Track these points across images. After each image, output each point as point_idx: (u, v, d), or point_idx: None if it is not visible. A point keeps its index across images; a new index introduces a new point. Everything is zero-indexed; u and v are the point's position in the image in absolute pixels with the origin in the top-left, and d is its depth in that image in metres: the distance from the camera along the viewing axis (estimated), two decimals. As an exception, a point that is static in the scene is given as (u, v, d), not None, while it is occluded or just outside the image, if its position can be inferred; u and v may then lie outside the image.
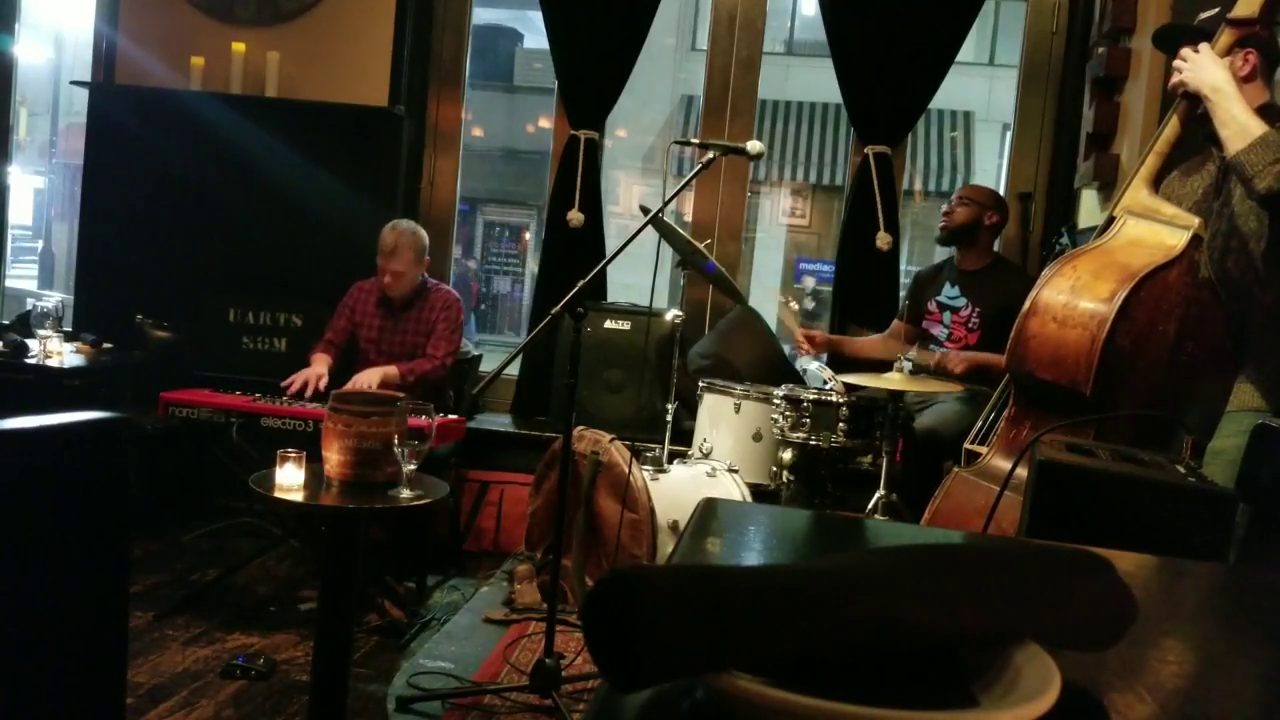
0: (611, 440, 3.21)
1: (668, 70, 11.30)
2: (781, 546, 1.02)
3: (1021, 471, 1.78)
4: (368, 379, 3.37)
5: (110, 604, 1.28)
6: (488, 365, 4.26)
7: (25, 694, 1.17)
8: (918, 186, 11.17)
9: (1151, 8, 3.34)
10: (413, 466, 2.28)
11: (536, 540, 3.41)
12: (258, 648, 2.82)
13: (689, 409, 3.71)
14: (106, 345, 3.94)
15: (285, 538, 3.47)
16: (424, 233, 3.64)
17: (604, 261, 2.83)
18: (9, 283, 5.21)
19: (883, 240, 4.08)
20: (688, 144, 3.06)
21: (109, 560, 1.27)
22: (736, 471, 3.25)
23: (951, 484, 2.60)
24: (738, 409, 3.45)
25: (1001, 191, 3.97)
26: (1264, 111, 2.20)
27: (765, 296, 9.83)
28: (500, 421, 4.26)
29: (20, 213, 10.91)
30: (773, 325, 4.27)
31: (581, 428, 3.27)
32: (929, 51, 4.04)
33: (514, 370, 4.26)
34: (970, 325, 3.59)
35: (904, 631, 0.54)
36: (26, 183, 11.42)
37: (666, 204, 2.74)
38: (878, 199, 4.08)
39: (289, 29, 4.24)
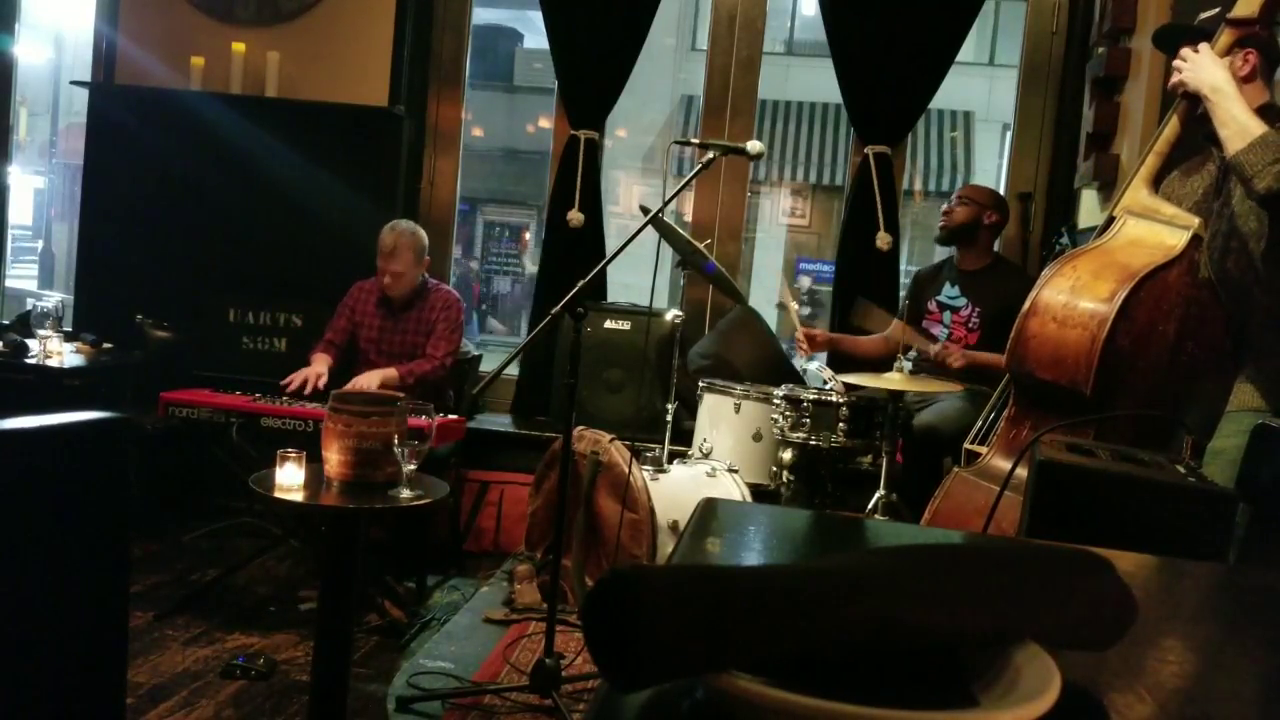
0: (611, 440, 3.21)
1: (668, 70, 11.29)
2: (781, 546, 1.02)
3: (1021, 471, 1.78)
4: (367, 381, 3.36)
5: (110, 604, 1.28)
6: (488, 360, 4.27)
7: (25, 694, 1.17)
8: (918, 186, 11.17)
9: (1151, 8, 3.34)
10: (413, 466, 2.28)
11: (536, 540, 3.41)
12: (258, 648, 2.82)
13: (689, 409, 3.71)
14: (106, 345, 3.94)
15: (285, 538, 3.47)
16: (423, 233, 3.64)
17: (604, 261, 2.83)
18: (9, 283, 5.21)
19: (883, 240, 4.08)
20: (688, 144, 3.06)
21: (109, 560, 1.27)
22: (736, 471, 3.26)
23: (951, 484, 2.60)
24: (738, 409, 3.45)
25: (1001, 191, 3.97)
26: (1264, 111, 2.20)
27: (766, 296, 9.83)
28: (500, 421, 4.26)
29: (20, 213, 10.90)
30: (772, 324, 4.26)
31: (581, 428, 3.27)
32: (929, 51, 4.04)
33: (514, 370, 4.27)
34: (970, 325, 3.59)
35: (904, 631, 0.54)
36: (26, 183, 11.42)
37: (666, 204, 2.74)
38: (878, 199, 4.08)
39: (289, 29, 4.24)
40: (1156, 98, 3.14)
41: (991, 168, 10.92)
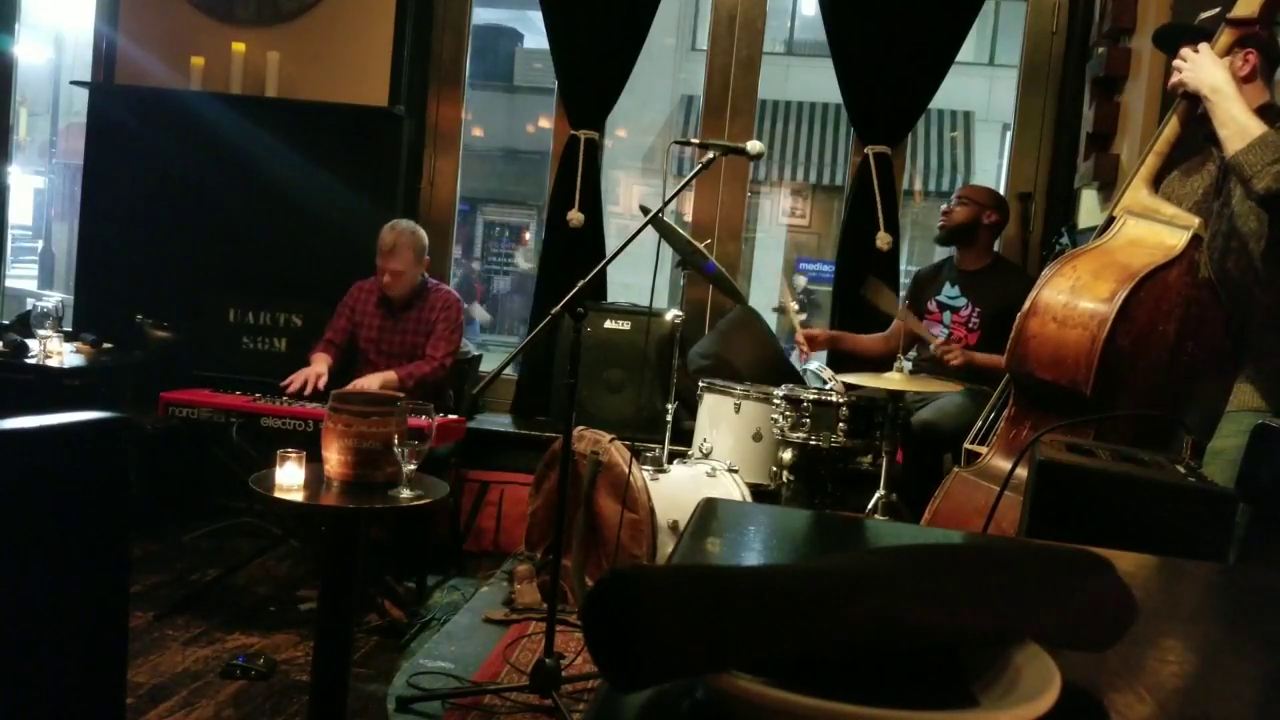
0: (611, 440, 3.21)
1: (668, 70, 11.29)
2: (781, 546, 1.02)
3: (1021, 471, 1.78)
4: (366, 385, 3.36)
5: (110, 604, 1.28)
6: (488, 361, 4.27)
7: (25, 694, 1.17)
8: (918, 186, 11.17)
9: (1151, 8, 3.34)
10: (413, 466, 2.28)
11: (536, 540, 3.41)
12: (258, 648, 2.82)
13: (689, 409, 3.71)
14: (106, 345, 3.94)
15: (285, 538, 3.47)
16: (423, 232, 3.64)
17: (604, 261, 2.83)
18: (9, 283, 5.21)
19: (883, 240, 4.08)
20: (688, 144, 3.06)
21: (109, 560, 1.27)
22: (736, 471, 3.26)
23: (951, 484, 2.60)
24: (738, 409, 3.45)
25: (1002, 191, 3.97)
26: (1264, 111, 2.20)
27: (766, 296, 9.83)
28: (500, 421, 4.26)
29: (20, 213, 10.90)
30: (772, 325, 4.26)
31: (581, 428, 3.27)
32: (929, 51, 4.04)
33: (514, 370, 4.27)
34: (970, 325, 3.59)
35: (904, 631, 0.54)
36: (26, 183, 11.41)
37: (666, 204, 2.74)
38: (878, 199, 4.08)
39: (289, 29, 4.24)
40: (1156, 98, 3.14)
41: (991, 168, 10.92)
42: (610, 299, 4.30)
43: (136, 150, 4.23)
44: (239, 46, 4.17)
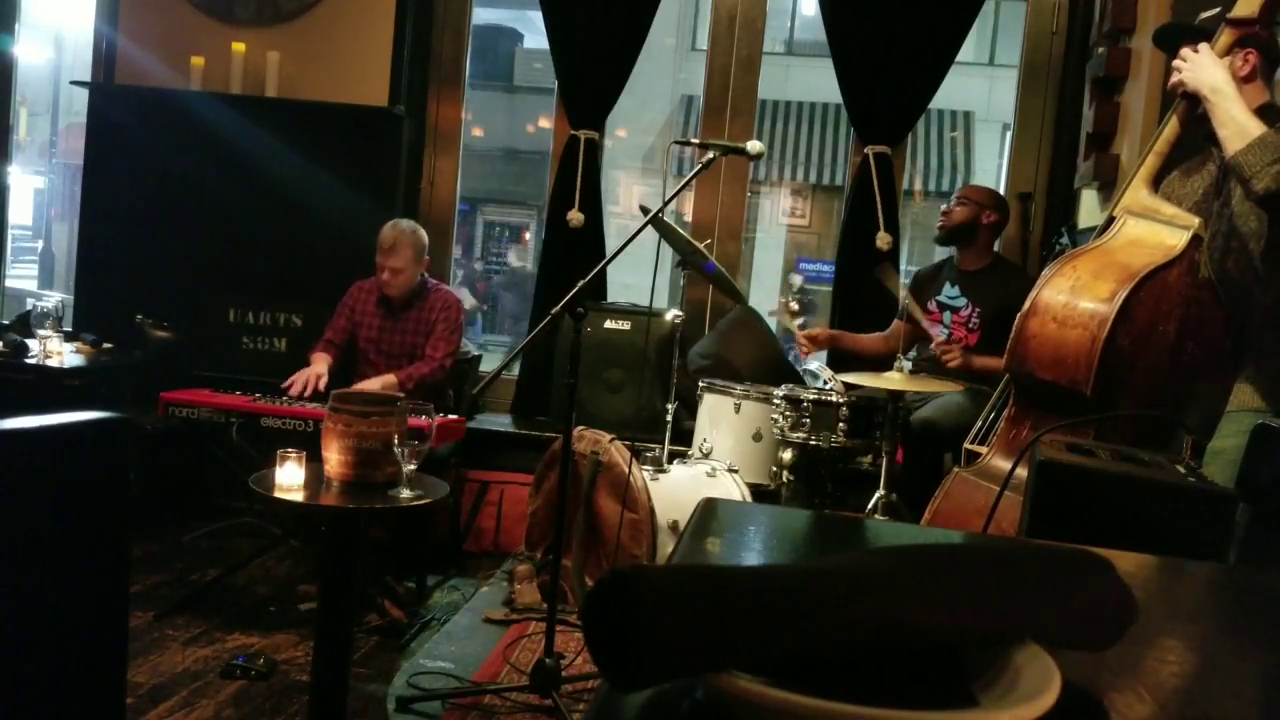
0: (611, 440, 3.21)
1: (668, 70, 11.29)
2: (781, 546, 1.02)
3: (1021, 471, 1.78)
4: (366, 389, 3.36)
5: (110, 604, 1.28)
6: (486, 360, 4.27)
7: (25, 694, 1.17)
8: (918, 186, 11.17)
9: (1151, 8, 3.34)
10: (413, 466, 2.28)
11: (536, 540, 3.41)
12: (258, 648, 2.82)
13: (689, 409, 3.71)
14: (106, 345, 3.94)
15: (285, 538, 3.47)
16: (423, 232, 3.63)
17: (604, 261, 2.83)
18: (9, 283, 5.21)
19: (883, 240, 4.08)
20: (688, 144, 3.06)
21: (109, 560, 1.27)
22: (736, 471, 3.26)
23: (951, 484, 2.60)
24: (738, 409, 3.45)
25: (1002, 191, 3.97)
26: (1264, 111, 2.20)
27: (766, 296, 9.83)
28: (500, 421, 4.26)
29: (20, 213, 10.90)
30: (771, 325, 4.26)
31: (581, 428, 3.27)
32: (929, 51, 4.04)
33: (514, 370, 4.27)
34: (970, 325, 3.59)
35: (904, 631, 0.54)
36: (26, 183, 11.41)
37: (666, 204, 2.74)
38: (878, 199, 4.08)
39: (289, 29, 4.24)
40: (1156, 98, 3.14)
41: (991, 168, 10.92)
42: (610, 299, 4.30)
43: (136, 150, 4.24)
44: (239, 46, 4.17)
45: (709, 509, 1.02)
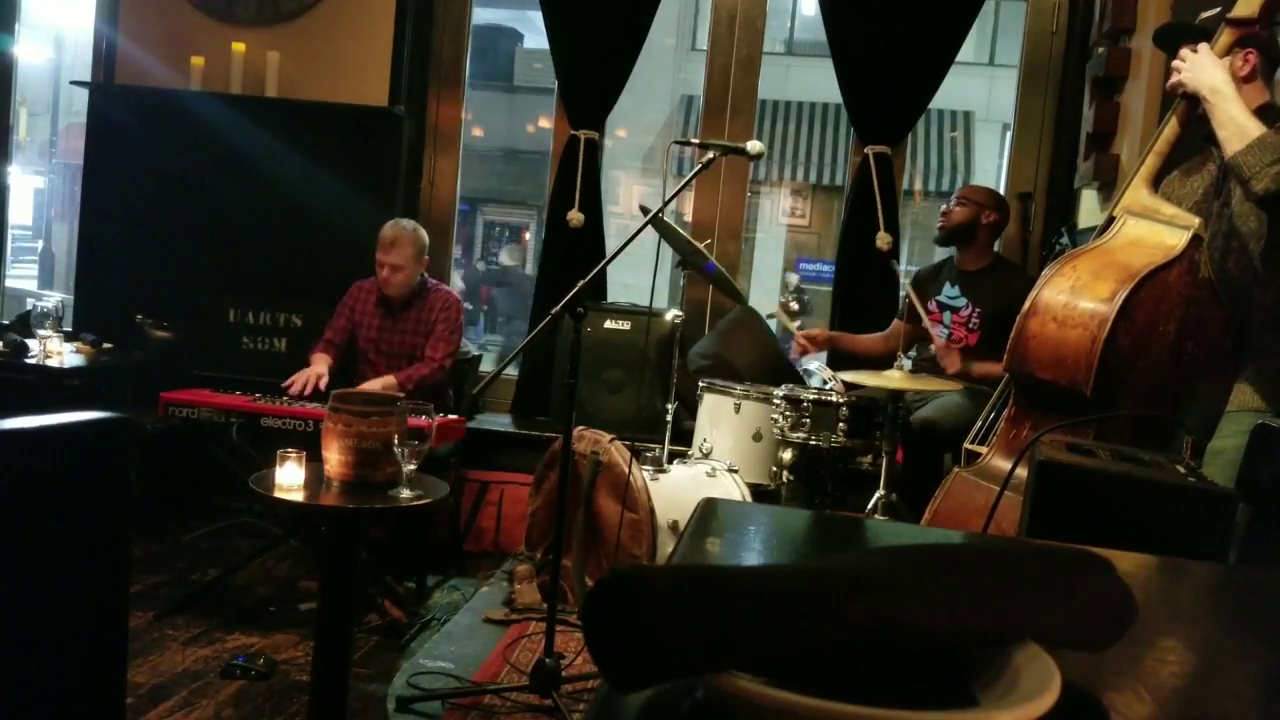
0: (611, 440, 3.21)
1: (668, 70, 11.29)
2: (781, 546, 1.02)
3: (1021, 471, 1.78)
4: (367, 390, 3.35)
5: (110, 604, 1.28)
6: (488, 363, 4.27)
7: (25, 694, 1.17)
8: (918, 186, 11.17)
9: (1151, 8, 3.34)
10: (413, 466, 2.28)
11: (536, 540, 3.41)
12: (258, 648, 2.82)
13: (689, 409, 3.71)
14: (106, 345, 3.94)
15: (285, 538, 3.47)
16: (424, 232, 3.63)
17: (604, 261, 2.83)
18: (9, 283, 5.21)
19: (883, 240, 4.08)
20: (688, 144, 3.06)
21: (109, 560, 1.27)
22: (736, 471, 3.26)
23: (951, 484, 2.60)
24: (738, 409, 3.45)
25: (1002, 191, 3.97)
26: (1264, 111, 2.20)
27: (766, 296, 9.83)
28: (500, 421, 4.26)
29: (20, 213, 10.90)
30: (771, 325, 4.27)
31: (581, 428, 3.27)
32: (929, 51, 4.04)
33: (514, 370, 4.27)
34: (970, 325, 3.59)
35: (904, 631, 0.54)
36: (26, 183, 11.41)
37: (666, 204, 2.74)
38: (878, 199, 4.08)
39: (289, 29, 4.24)
40: (1156, 98, 3.14)
41: (991, 168, 10.92)
42: (610, 299, 4.30)
43: (136, 150, 4.24)
44: (239, 46, 4.17)
45: (709, 509, 1.02)
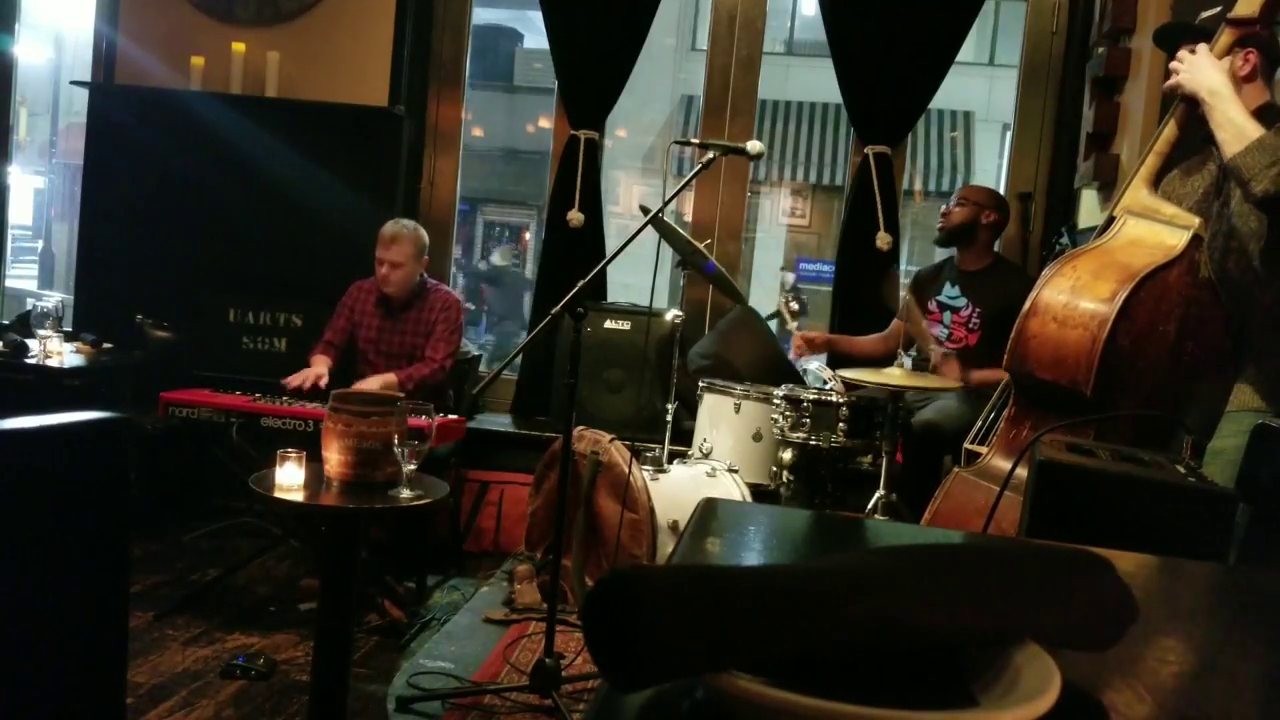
0: (611, 440, 3.21)
1: (668, 70, 11.29)
2: (781, 546, 1.02)
3: (1021, 471, 1.78)
4: (366, 388, 3.35)
5: (110, 604, 1.28)
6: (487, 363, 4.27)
7: (25, 694, 1.17)
8: (918, 186, 11.17)
9: (1151, 8, 3.34)
10: (413, 466, 2.28)
11: (536, 540, 3.41)
12: (258, 648, 2.82)
13: (689, 409, 3.71)
14: (106, 345, 3.94)
15: (285, 538, 3.47)
16: (424, 233, 3.63)
17: (604, 261, 2.84)
18: (9, 283, 5.21)
19: (883, 240, 4.08)
20: (688, 144, 3.06)
21: (109, 560, 1.27)
22: (736, 471, 3.26)
23: (951, 484, 2.60)
24: (738, 409, 3.45)
25: (1002, 191, 3.97)
26: (1264, 111, 2.20)
27: (766, 296, 9.83)
28: (500, 421, 4.26)
29: (20, 213, 10.90)
30: (771, 325, 4.27)
31: (581, 428, 3.27)
32: (929, 51, 4.04)
33: (514, 370, 4.27)
34: (970, 325, 3.59)
35: (904, 631, 0.54)
36: (26, 183, 11.41)
37: (666, 204, 2.74)
38: (878, 199, 4.08)
39: (289, 29, 4.24)
40: (1156, 98, 3.14)
41: (991, 168, 10.92)
42: (610, 299, 4.30)
43: (136, 150, 4.24)
44: (239, 46, 4.17)
45: (709, 509, 1.02)
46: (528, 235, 12.88)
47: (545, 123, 7.15)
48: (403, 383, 3.43)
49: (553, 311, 2.50)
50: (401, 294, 3.60)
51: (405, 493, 2.26)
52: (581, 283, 2.46)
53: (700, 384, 3.57)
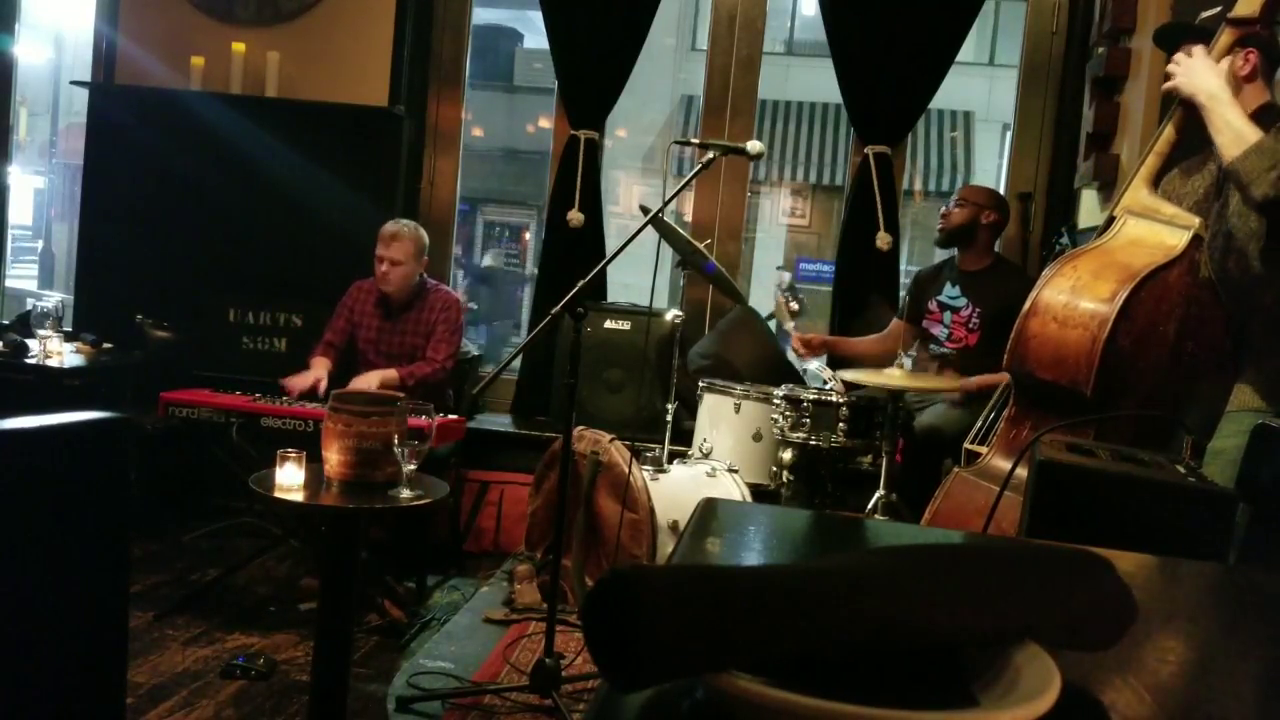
0: (611, 440, 3.21)
1: (668, 70, 11.29)
2: (781, 546, 1.02)
3: (1021, 471, 1.78)
4: (366, 383, 3.36)
5: (110, 604, 1.28)
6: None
7: (25, 694, 1.17)
8: (918, 186, 11.17)
9: (1151, 8, 3.34)
10: (413, 466, 2.28)
11: (536, 540, 3.41)
12: (258, 648, 2.82)
13: (689, 409, 3.71)
14: (106, 345, 3.94)
15: (285, 538, 3.46)
16: (425, 233, 3.63)
17: (604, 261, 2.84)
18: (9, 283, 5.21)
19: (883, 240, 4.08)
20: (688, 144, 3.06)
21: (109, 560, 1.27)
22: (736, 471, 3.26)
23: (951, 484, 2.60)
24: (738, 409, 3.45)
25: (1002, 191, 3.97)
26: (1265, 111, 2.20)
27: (766, 296, 9.84)
28: (500, 421, 4.26)
29: (20, 213, 10.90)
30: (771, 326, 4.27)
31: (581, 428, 3.27)
32: (929, 51, 4.04)
33: (514, 370, 4.27)
34: (970, 325, 3.59)
35: (904, 631, 0.54)
36: (26, 183, 11.41)
37: (666, 204, 2.74)
38: (878, 199, 4.08)
39: (289, 29, 4.24)
40: (1156, 98, 3.14)
41: (991, 168, 10.92)
42: (610, 299, 4.30)
43: (136, 150, 4.23)
44: (239, 46, 4.17)
45: (709, 509, 1.02)
46: (528, 235, 12.88)
47: (545, 123, 7.15)
48: (404, 379, 3.43)
49: (553, 311, 2.50)
50: (400, 293, 3.60)
51: (405, 493, 2.26)
52: (581, 283, 2.46)
53: (700, 384, 3.57)
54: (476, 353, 4.19)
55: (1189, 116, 2.27)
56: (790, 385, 3.39)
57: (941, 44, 4.06)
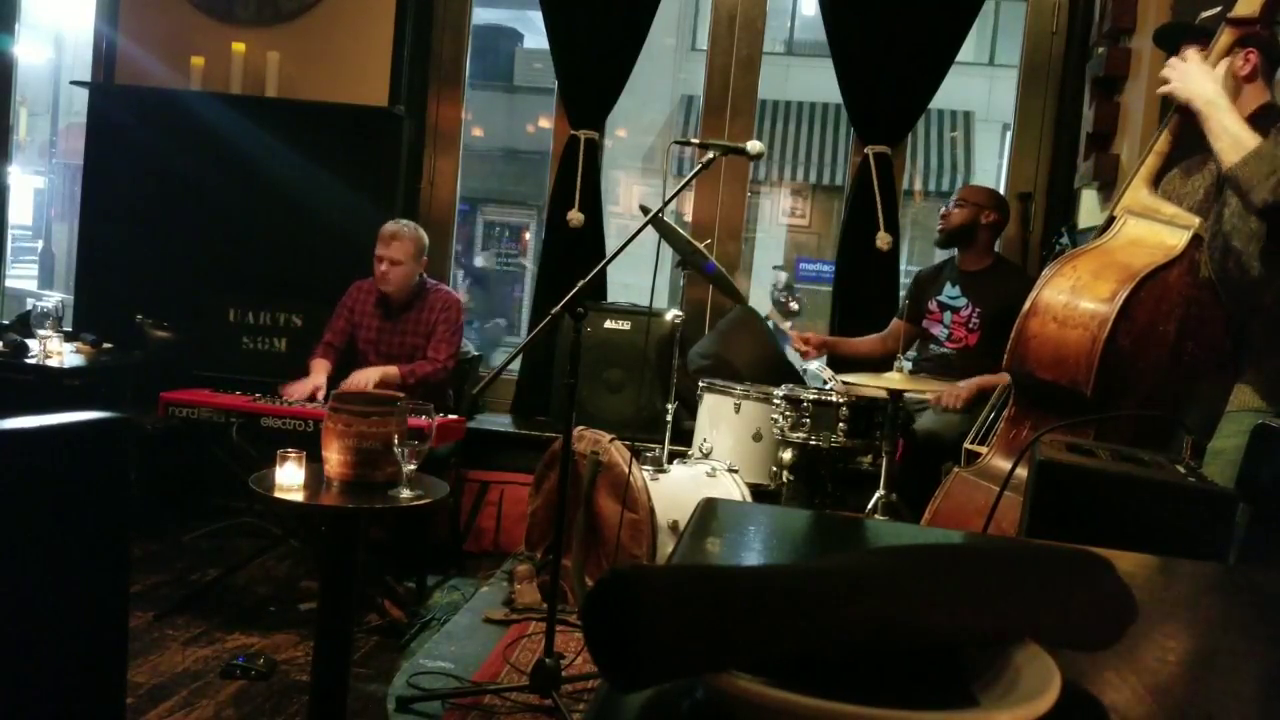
0: (611, 440, 3.21)
1: (668, 70, 11.29)
2: (781, 546, 1.02)
3: (1021, 471, 1.78)
4: (365, 378, 3.35)
5: (110, 604, 1.28)
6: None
7: (25, 694, 1.17)
8: (918, 186, 11.17)
9: (1151, 8, 3.34)
10: (413, 466, 2.28)
11: (536, 540, 3.41)
12: (258, 648, 2.82)
13: (689, 409, 3.71)
14: (106, 345, 3.94)
15: (285, 538, 3.47)
16: (425, 234, 3.63)
17: (604, 261, 2.83)
18: (9, 283, 5.21)
19: (883, 240, 4.08)
20: (688, 144, 3.06)
21: (109, 560, 1.27)
22: (736, 471, 3.26)
23: (951, 484, 2.60)
24: (738, 409, 3.45)
25: (1002, 191, 3.97)
26: (1265, 111, 2.20)
27: (766, 296, 9.83)
28: (500, 421, 4.26)
29: (20, 213, 10.90)
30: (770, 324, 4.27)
31: (581, 428, 3.27)
32: (929, 51, 4.04)
33: (514, 370, 4.27)
34: (970, 325, 3.59)
35: (904, 631, 0.54)
36: (26, 183, 11.41)
37: (666, 204, 2.74)
38: (878, 199, 4.08)
39: (289, 29, 4.24)
40: (1156, 98, 3.11)
41: (991, 168, 10.92)
42: (610, 299, 4.30)
43: (136, 150, 4.23)
44: (239, 46, 4.17)
45: (709, 509, 1.02)
46: (528, 235, 12.88)
47: (545, 123, 7.15)
48: (404, 376, 3.43)
49: (553, 311, 2.50)
50: (400, 293, 3.60)
51: (405, 493, 2.26)
52: (581, 283, 2.46)
53: (700, 384, 3.57)
54: (476, 353, 4.19)
55: (1185, 121, 2.26)
56: (790, 385, 3.39)
57: (941, 44, 4.06)
